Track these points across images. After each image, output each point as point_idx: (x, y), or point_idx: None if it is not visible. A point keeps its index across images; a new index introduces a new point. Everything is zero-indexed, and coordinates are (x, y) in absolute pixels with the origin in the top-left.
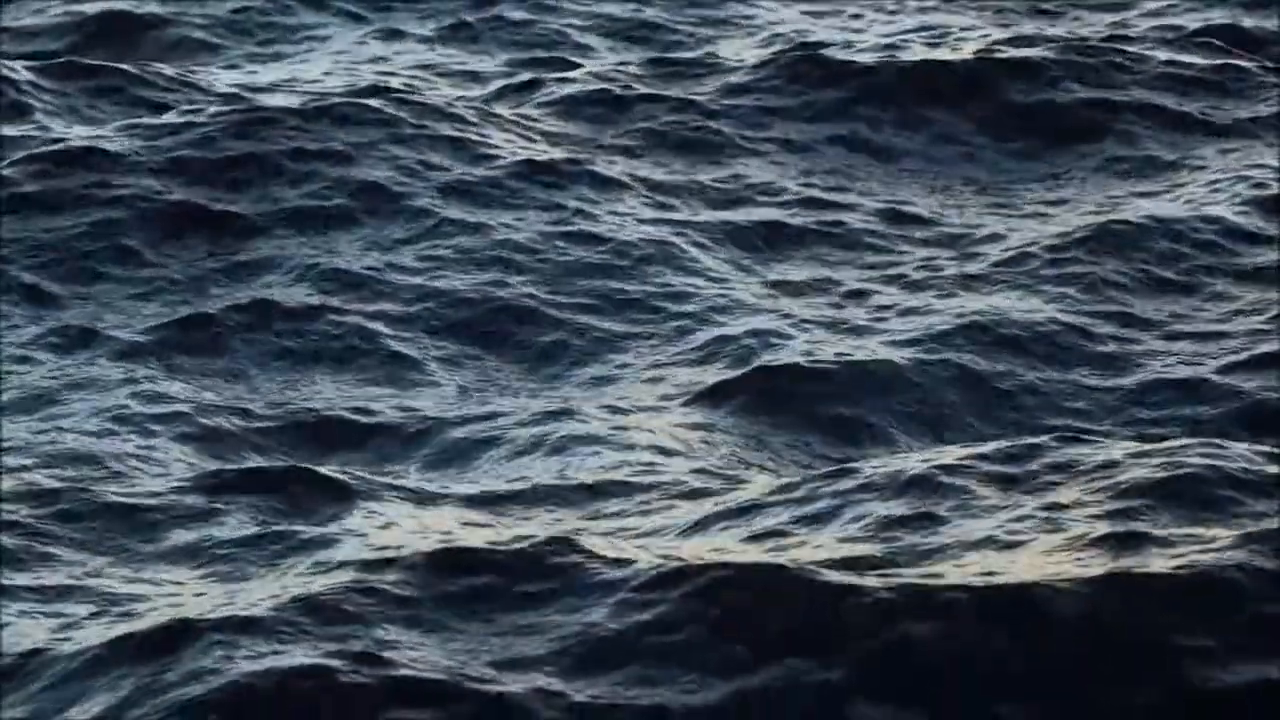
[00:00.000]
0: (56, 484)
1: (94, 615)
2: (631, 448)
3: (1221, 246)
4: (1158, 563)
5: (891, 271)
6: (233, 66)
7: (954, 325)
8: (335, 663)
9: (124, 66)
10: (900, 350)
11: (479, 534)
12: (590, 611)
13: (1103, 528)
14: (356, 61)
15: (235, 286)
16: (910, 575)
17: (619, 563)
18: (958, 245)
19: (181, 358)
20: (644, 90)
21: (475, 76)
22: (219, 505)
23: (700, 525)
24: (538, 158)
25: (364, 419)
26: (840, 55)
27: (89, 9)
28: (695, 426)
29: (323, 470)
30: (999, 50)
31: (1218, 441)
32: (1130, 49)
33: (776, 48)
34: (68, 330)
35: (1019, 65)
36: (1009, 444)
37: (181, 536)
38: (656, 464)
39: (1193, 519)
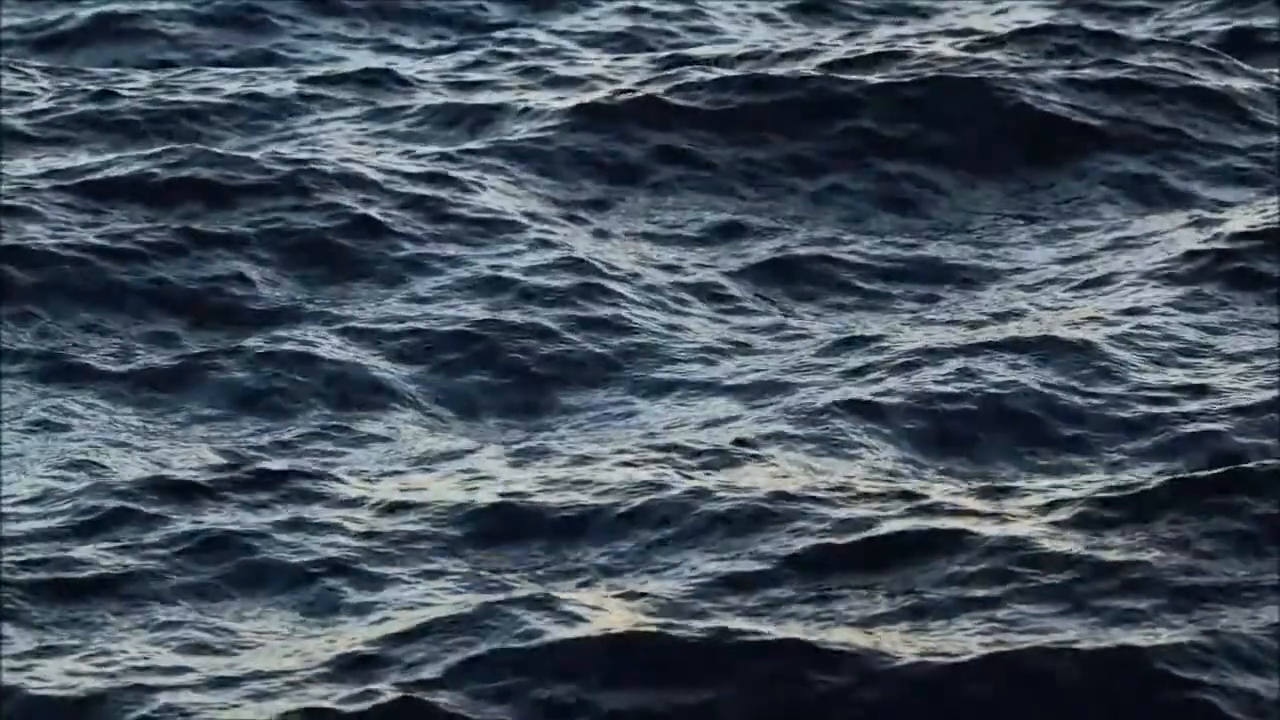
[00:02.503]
0: (47, 524)
1: (93, 657)
2: (622, 483)
3: (1238, 265)
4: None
5: (894, 301)
6: (228, 75)
7: (963, 355)
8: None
9: (120, 83)
10: (908, 383)
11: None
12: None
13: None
14: (350, 79)
15: (222, 311)
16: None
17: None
18: (960, 272)
19: (163, 394)
20: (641, 112)
21: (470, 95)
22: (207, 534)
23: (689, 556)
24: (530, 185)
25: (351, 448)
26: (832, 73)
27: (82, 11)
28: (693, 456)
29: (313, 494)
30: (995, 63)
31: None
32: (1134, 61)
33: (773, 68)
34: (57, 360)
35: (1015, 78)
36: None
37: (171, 563)
38: (654, 500)
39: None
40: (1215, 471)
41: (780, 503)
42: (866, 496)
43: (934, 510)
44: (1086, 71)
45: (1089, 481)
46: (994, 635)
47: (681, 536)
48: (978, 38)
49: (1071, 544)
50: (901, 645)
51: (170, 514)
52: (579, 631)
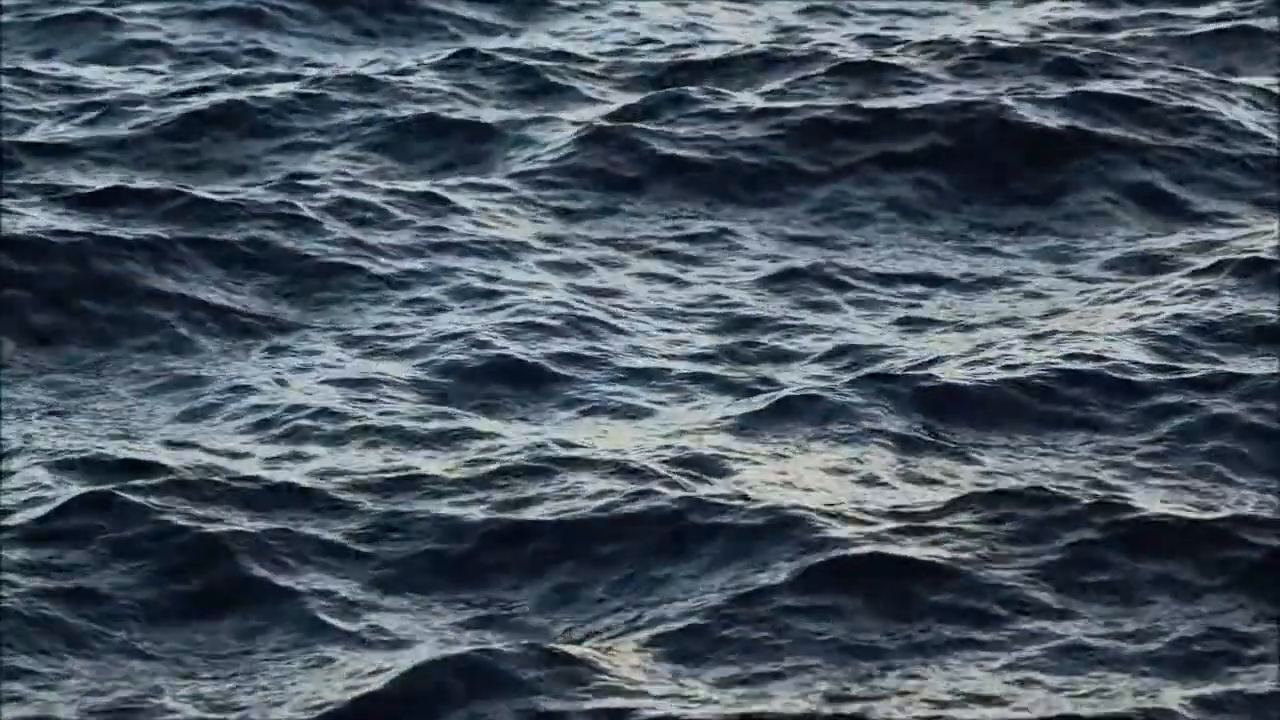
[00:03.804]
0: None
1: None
2: (621, 498)
3: (1241, 276)
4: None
5: (893, 310)
6: (227, 79)
7: (963, 367)
8: None
9: (116, 85)
10: (906, 393)
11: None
12: None
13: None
14: (349, 85)
15: (214, 320)
16: None
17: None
18: (960, 283)
19: (148, 399)
20: (640, 121)
21: (468, 103)
22: (192, 548)
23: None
24: (528, 196)
25: (342, 460)
26: (833, 83)
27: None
28: (691, 468)
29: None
30: (995, 72)
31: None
32: (1135, 70)
33: (774, 76)
34: (53, 367)
35: (1014, 87)
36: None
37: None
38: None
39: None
40: (1220, 515)
41: (776, 522)
42: (862, 517)
43: (926, 533)
44: (1086, 83)
45: (1086, 514)
46: (989, 690)
47: (678, 558)
48: (976, 47)
49: (1065, 584)
50: (894, 705)
51: (152, 524)
52: (579, 694)
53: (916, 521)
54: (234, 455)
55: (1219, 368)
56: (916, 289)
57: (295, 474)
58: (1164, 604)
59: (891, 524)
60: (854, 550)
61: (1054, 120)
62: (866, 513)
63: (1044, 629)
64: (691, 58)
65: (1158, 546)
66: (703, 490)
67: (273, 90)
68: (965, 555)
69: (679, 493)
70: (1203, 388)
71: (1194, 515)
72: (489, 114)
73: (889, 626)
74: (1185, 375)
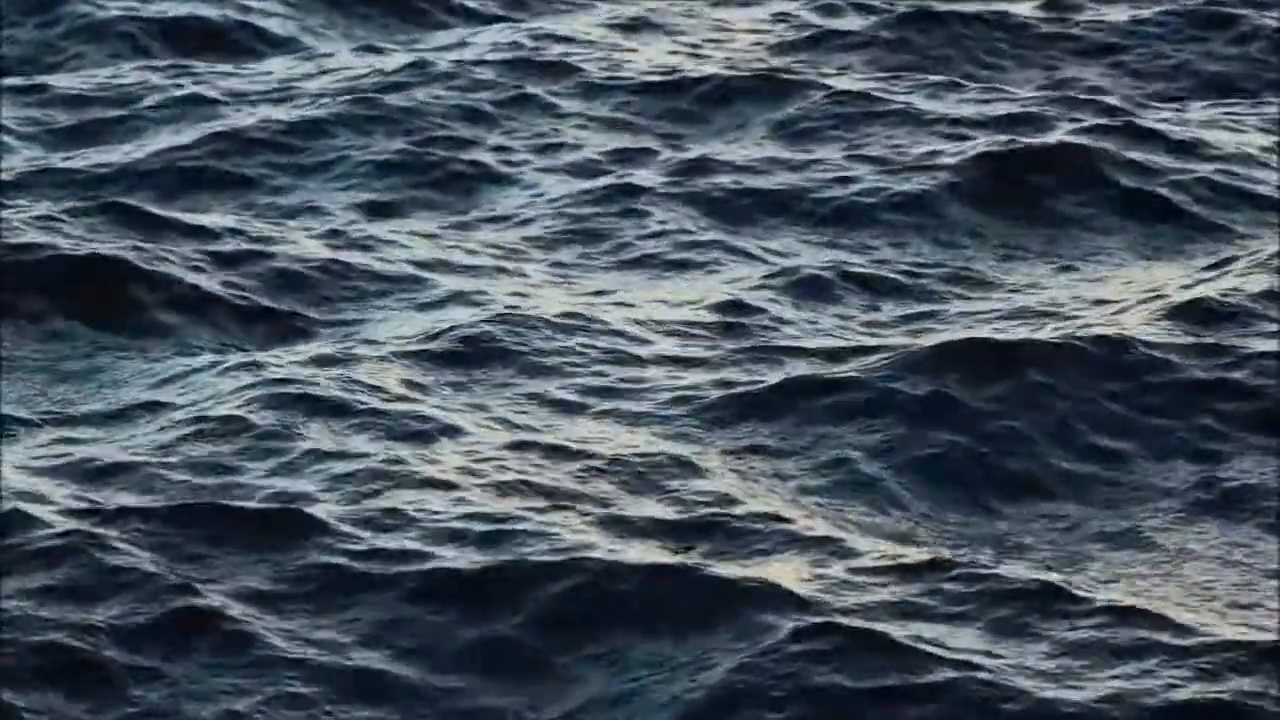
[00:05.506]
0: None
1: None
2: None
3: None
4: None
5: (889, 318)
6: (223, 101)
7: (957, 380)
8: None
9: (113, 92)
10: (900, 403)
11: None
12: None
13: None
14: (344, 110)
15: (203, 335)
16: None
17: None
18: (956, 293)
19: (165, 420)
20: (646, 143)
21: (469, 126)
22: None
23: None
24: (525, 205)
25: (331, 478)
26: (834, 93)
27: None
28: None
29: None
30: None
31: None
32: (1137, 92)
33: (774, 84)
34: (53, 377)
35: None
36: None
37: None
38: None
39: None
40: (1219, 597)
41: (766, 585)
42: (855, 576)
43: (921, 595)
44: (1085, 89)
45: (1090, 578)
46: None
47: (663, 617)
48: (980, 51)
49: (1064, 648)
50: None
51: (139, 547)
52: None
53: (912, 578)
54: (227, 462)
55: (1220, 379)
56: (919, 294)
57: (287, 493)
58: (1164, 671)
59: (885, 585)
60: (844, 619)
61: (1055, 131)
62: (860, 570)
63: (1040, 696)
64: (692, 63)
65: (1156, 615)
66: (695, 540)
67: (271, 100)
68: (960, 613)
69: (673, 542)
70: (1211, 407)
71: (1194, 593)
72: (489, 121)
73: (878, 696)
74: (1192, 388)
